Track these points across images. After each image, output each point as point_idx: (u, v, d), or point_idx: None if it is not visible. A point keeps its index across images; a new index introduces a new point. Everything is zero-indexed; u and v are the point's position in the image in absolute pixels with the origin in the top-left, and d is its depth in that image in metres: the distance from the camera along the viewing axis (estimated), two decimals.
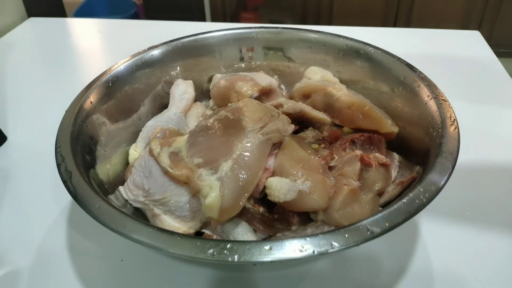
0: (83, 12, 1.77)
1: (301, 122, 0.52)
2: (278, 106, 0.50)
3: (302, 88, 0.55)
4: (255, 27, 0.61)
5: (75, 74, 0.79)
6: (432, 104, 0.44)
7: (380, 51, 0.53)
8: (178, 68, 0.58)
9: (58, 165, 0.38)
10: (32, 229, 0.47)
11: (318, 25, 0.77)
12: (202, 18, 1.69)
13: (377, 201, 0.41)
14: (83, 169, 0.39)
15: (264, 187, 0.39)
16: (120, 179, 0.46)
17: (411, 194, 0.34)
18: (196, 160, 0.39)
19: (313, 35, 0.59)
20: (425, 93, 0.46)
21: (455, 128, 0.40)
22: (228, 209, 0.37)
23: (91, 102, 0.47)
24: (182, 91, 0.55)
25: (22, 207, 0.51)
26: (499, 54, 0.79)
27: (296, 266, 0.42)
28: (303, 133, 0.50)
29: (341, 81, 0.55)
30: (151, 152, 0.43)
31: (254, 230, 0.41)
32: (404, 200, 0.33)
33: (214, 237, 0.40)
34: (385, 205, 0.35)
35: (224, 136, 0.41)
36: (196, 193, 0.39)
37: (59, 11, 1.10)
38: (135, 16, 1.80)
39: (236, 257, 0.30)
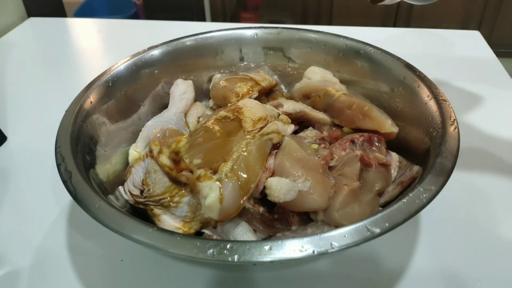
0: (83, 12, 1.77)
1: (301, 122, 0.52)
2: (278, 106, 0.50)
3: (302, 88, 0.55)
4: (255, 27, 0.61)
5: (75, 74, 0.79)
6: (432, 104, 0.44)
7: (380, 51, 0.53)
8: (178, 68, 0.58)
9: (58, 165, 0.38)
10: (32, 229, 0.47)
11: (318, 25, 0.77)
12: (202, 18, 1.69)
13: (377, 201, 0.41)
14: (83, 169, 0.39)
15: (264, 187, 0.39)
16: (120, 179, 0.46)
17: (411, 194, 0.34)
18: (195, 160, 0.39)
19: (313, 35, 0.59)
20: (425, 93, 0.46)
21: (455, 128, 0.40)
22: (228, 210, 0.37)
23: (91, 102, 0.47)
24: (182, 91, 0.55)
25: (22, 207, 0.51)
26: (499, 54, 0.79)
27: (296, 266, 0.42)
28: (303, 133, 0.50)
29: (341, 81, 0.55)
30: (151, 152, 0.43)
31: (254, 230, 0.41)
32: (404, 200, 0.33)
33: (214, 237, 0.40)
34: (385, 205, 0.35)
35: (224, 137, 0.41)
36: (196, 194, 0.39)
37: (59, 11, 1.10)
38: (135, 16, 1.80)
39: (236, 257, 0.30)
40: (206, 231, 0.41)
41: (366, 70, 0.54)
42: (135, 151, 0.49)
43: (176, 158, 0.41)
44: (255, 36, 0.60)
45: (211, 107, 0.56)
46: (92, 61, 0.85)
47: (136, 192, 0.42)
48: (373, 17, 1.82)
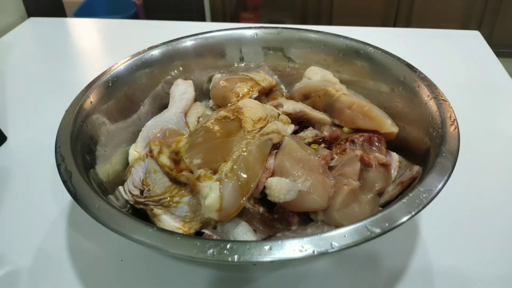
0: (83, 12, 1.77)
1: (301, 122, 0.52)
2: (278, 106, 0.50)
3: (302, 88, 0.55)
4: (255, 27, 0.61)
5: (75, 74, 0.79)
6: (432, 104, 0.44)
7: (380, 51, 0.53)
8: (178, 68, 0.58)
9: (58, 165, 0.38)
10: (32, 229, 0.47)
11: (318, 25, 0.77)
12: (202, 18, 1.69)
13: (377, 201, 0.41)
14: (83, 169, 0.39)
15: (264, 187, 0.39)
16: (120, 179, 0.46)
17: (411, 194, 0.34)
18: (195, 160, 0.39)
19: (313, 35, 0.59)
20: (425, 93, 0.46)
21: (455, 128, 0.40)
22: (228, 210, 0.37)
23: (91, 102, 0.47)
24: (182, 91, 0.55)
25: (22, 207, 0.51)
26: (499, 54, 0.79)
27: (296, 266, 0.42)
28: (303, 133, 0.50)
29: (341, 81, 0.55)
30: (151, 152, 0.43)
31: (254, 230, 0.41)
32: (404, 200, 0.33)
33: (214, 237, 0.40)
34: (385, 205, 0.35)
35: (224, 137, 0.41)
36: (196, 194, 0.39)
37: (59, 11, 1.10)
38: (135, 16, 1.80)
39: (236, 257, 0.30)
40: (206, 231, 0.41)
41: (366, 70, 0.54)
42: (135, 151, 0.49)
43: (176, 158, 0.41)
44: (255, 36, 0.60)
45: (211, 107, 0.56)
46: (92, 61, 0.85)
47: (136, 192, 0.42)
48: (373, 17, 1.82)
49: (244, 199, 0.37)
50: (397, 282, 0.41)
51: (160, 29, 0.95)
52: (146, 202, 0.42)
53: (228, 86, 0.52)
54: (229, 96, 0.51)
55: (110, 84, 0.50)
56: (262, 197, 0.41)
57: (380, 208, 0.40)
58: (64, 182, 0.37)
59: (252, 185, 0.38)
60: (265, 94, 0.55)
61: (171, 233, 0.32)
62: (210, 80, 0.59)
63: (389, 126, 0.46)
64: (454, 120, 0.41)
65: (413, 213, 0.32)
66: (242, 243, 0.31)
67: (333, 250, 0.30)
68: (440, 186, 0.35)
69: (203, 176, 0.37)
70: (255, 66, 0.62)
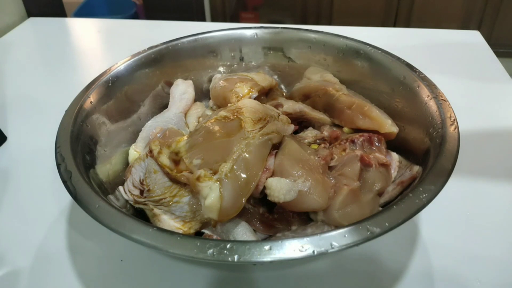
0: (83, 12, 1.77)
1: (301, 122, 0.52)
2: (278, 106, 0.50)
3: (302, 88, 0.55)
4: (255, 27, 0.61)
5: (75, 74, 0.80)
6: (432, 104, 0.44)
7: (380, 51, 0.53)
8: (178, 68, 0.58)
9: (58, 165, 0.38)
10: (32, 229, 0.47)
11: (318, 25, 0.77)
12: (202, 18, 1.69)
13: (377, 201, 0.41)
14: (83, 169, 0.39)
15: (264, 187, 0.39)
16: (120, 179, 0.46)
17: (411, 194, 0.34)
18: (195, 161, 0.39)
19: (313, 35, 0.59)
20: (425, 93, 0.46)
21: (455, 128, 0.40)
22: (228, 210, 0.37)
23: (91, 102, 0.47)
24: (182, 91, 0.55)
25: (22, 207, 0.51)
26: (499, 54, 0.79)
27: (296, 266, 0.42)
28: (303, 133, 0.50)
29: (341, 81, 0.55)
30: (151, 152, 0.43)
31: (254, 230, 0.41)
32: (404, 200, 0.33)
33: (214, 237, 0.40)
34: (385, 205, 0.35)
35: (224, 137, 0.41)
36: (196, 194, 0.39)
37: (59, 11, 1.10)
38: (135, 16, 1.80)
39: (236, 257, 0.30)
40: (206, 231, 0.41)
41: (366, 70, 0.54)
42: (135, 151, 0.49)
43: (176, 158, 0.41)
44: (255, 36, 0.60)
45: (211, 107, 0.56)
46: (92, 61, 0.85)
47: (136, 192, 0.42)
48: (373, 17, 1.82)
49: (244, 199, 0.37)
50: (397, 282, 0.41)
51: (160, 29, 0.95)
52: (146, 202, 0.42)
53: (228, 86, 0.52)
54: (229, 96, 0.51)
55: (110, 84, 0.50)
56: (262, 197, 0.41)
57: (380, 208, 0.40)
58: (64, 182, 0.37)
59: (252, 185, 0.38)
60: (265, 94, 0.55)
61: (171, 233, 0.32)
62: (210, 80, 0.59)
63: (389, 126, 0.46)
64: (454, 120, 0.41)
65: (413, 213, 0.32)
66: (242, 243, 0.30)
67: (333, 250, 0.30)
68: (440, 186, 0.35)
69: (203, 176, 0.37)
70: (255, 66, 0.62)
